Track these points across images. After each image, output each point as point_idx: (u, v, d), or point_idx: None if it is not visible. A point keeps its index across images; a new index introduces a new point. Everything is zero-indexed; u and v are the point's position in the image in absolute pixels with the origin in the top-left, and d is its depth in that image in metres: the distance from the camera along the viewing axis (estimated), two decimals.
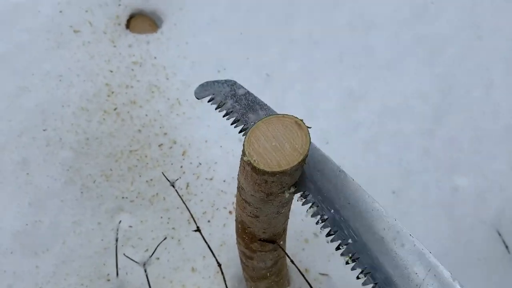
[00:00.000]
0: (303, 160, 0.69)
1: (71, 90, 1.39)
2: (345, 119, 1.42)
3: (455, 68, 1.53)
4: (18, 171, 1.25)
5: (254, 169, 0.68)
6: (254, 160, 0.67)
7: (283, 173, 0.67)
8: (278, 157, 0.68)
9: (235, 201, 1.30)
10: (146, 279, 1.13)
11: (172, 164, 1.33)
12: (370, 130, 1.41)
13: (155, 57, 1.48)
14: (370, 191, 1.33)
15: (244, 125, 0.81)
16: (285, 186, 0.71)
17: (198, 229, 0.98)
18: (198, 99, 0.88)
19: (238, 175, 0.77)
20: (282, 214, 0.81)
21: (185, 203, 1.00)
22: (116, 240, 1.09)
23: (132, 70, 1.45)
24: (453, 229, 1.24)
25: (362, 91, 1.48)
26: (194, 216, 1.03)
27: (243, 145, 0.69)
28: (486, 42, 1.58)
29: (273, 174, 0.67)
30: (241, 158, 0.71)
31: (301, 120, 0.71)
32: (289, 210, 0.84)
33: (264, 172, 0.67)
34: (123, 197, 1.27)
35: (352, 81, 1.50)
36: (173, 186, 0.95)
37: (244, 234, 0.86)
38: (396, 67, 1.53)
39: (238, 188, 0.79)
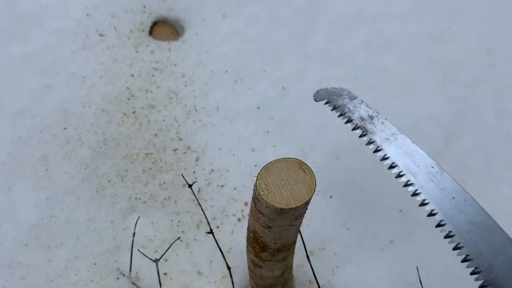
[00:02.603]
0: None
1: (93, 91, 1.44)
2: (355, 137, 1.45)
3: (467, 92, 1.56)
4: (38, 166, 1.29)
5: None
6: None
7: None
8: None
9: (244, 209, 1.33)
10: (154, 279, 1.17)
11: (185, 169, 1.36)
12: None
13: (175, 64, 1.52)
14: (377, 208, 1.36)
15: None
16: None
17: (211, 231, 1.01)
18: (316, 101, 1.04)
19: (254, 186, 0.81)
20: (294, 226, 0.84)
21: (200, 203, 1.04)
22: (133, 235, 1.13)
23: (153, 75, 1.50)
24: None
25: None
26: (205, 219, 1.07)
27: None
28: (499, 70, 1.61)
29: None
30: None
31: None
32: (301, 224, 0.87)
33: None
34: (136, 198, 1.31)
35: (366, 99, 1.53)
36: (190, 187, 0.98)
37: (256, 243, 0.89)
38: (409, 88, 1.56)
39: (253, 198, 0.83)
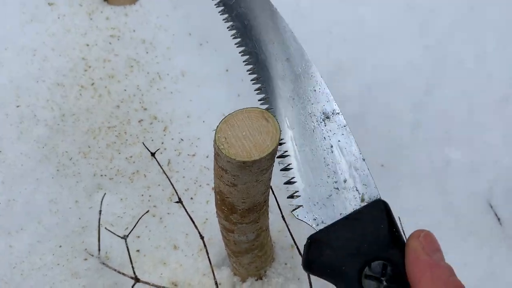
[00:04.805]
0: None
1: (46, 65, 1.32)
2: (333, 92, 1.36)
3: (446, 39, 1.48)
4: None
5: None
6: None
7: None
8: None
9: None
10: (126, 258, 1.09)
11: (152, 140, 1.27)
12: (359, 103, 1.36)
13: (134, 30, 1.41)
14: None
15: None
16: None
17: (179, 200, 0.94)
18: None
19: (213, 142, 0.73)
20: (261, 182, 0.76)
21: (165, 172, 0.95)
22: (100, 213, 1.04)
23: (110, 43, 1.38)
24: (444, 202, 1.20)
25: (351, 64, 1.43)
26: (173, 189, 0.99)
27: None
28: (479, 13, 1.53)
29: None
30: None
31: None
32: (269, 179, 0.79)
33: None
34: (101, 175, 1.22)
35: (341, 54, 1.44)
36: (153, 155, 0.90)
37: (223, 205, 0.81)
38: (387, 39, 1.47)
39: (214, 155, 0.74)
